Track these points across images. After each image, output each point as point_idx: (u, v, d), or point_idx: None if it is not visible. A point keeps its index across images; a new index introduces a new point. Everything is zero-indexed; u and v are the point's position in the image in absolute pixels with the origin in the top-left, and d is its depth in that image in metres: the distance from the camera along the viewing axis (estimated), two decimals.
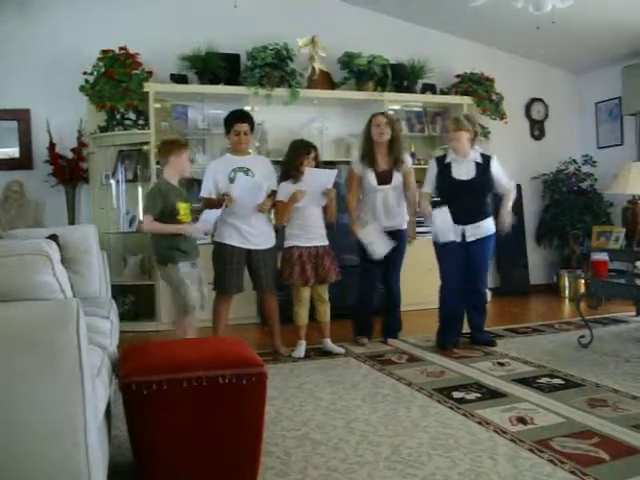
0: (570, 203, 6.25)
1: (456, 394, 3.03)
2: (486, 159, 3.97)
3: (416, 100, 5.97)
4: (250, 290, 4.09)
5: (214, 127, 5.26)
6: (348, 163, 4.38)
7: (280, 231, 4.03)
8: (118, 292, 4.62)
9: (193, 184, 4.81)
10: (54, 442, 1.49)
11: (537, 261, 6.65)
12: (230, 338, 2.56)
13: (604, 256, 4.06)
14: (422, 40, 6.02)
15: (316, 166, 3.87)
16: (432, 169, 4.07)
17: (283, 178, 3.89)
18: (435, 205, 4.01)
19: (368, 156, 4.06)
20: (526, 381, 3.22)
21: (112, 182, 5.13)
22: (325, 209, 3.93)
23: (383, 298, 4.29)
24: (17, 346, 1.47)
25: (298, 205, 3.83)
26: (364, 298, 4.18)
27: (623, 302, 4.99)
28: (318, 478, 2.13)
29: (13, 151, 5.08)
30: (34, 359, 1.47)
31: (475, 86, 5.91)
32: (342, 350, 3.97)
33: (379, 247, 3.99)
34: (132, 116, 4.98)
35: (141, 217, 4.83)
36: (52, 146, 4.97)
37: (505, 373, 3.40)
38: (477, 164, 3.93)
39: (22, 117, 5.02)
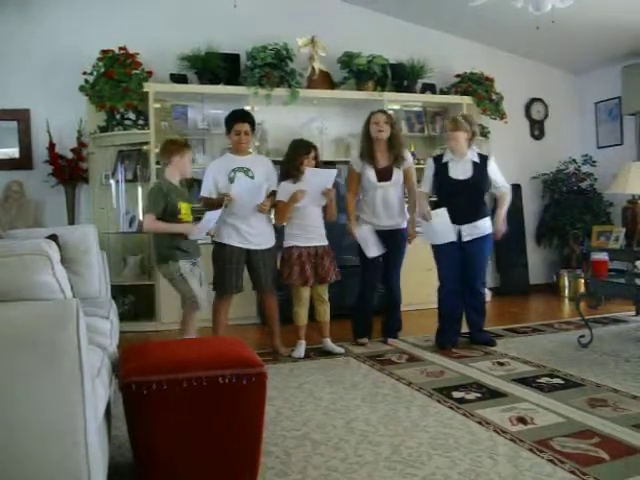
0: (570, 203, 6.25)
1: (456, 394, 3.03)
2: (483, 159, 3.98)
3: (416, 100, 5.97)
4: (250, 290, 4.09)
5: (214, 127, 5.26)
6: (348, 163, 4.38)
7: (280, 231, 4.03)
8: (118, 292, 4.62)
9: (193, 184, 4.81)
10: (54, 442, 1.49)
11: (537, 261, 6.65)
12: (230, 338, 2.56)
13: (604, 256, 4.06)
14: (422, 40, 6.03)
15: (316, 166, 3.87)
16: (429, 169, 4.08)
17: (283, 178, 3.89)
18: (433, 205, 4.02)
19: (367, 153, 4.06)
20: (526, 381, 3.22)
21: (112, 182, 5.13)
22: (325, 209, 3.93)
23: (383, 298, 4.29)
24: (17, 346, 1.47)
25: (298, 205, 3.83)
26: (364, 298, 4.18)
27: (623, 302, 4.99)
28: (318, 478, 2.13)
29: (13, 151, 5.08)
30: (34, 359, 1.47)
31: (475, 86, 5.91)
32: (342, 350, 3.97)
33: (372, 248, 4.00)
34: (132, 116, 4.98)
35: (141, 217, 4.86)
36: (52, 146, 4.97)
37: (505, 373, 3.40)
38: (474, 164, 3.93)
39: (22, 117, 5.02)
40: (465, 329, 4.17)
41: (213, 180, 3.85)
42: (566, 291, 6.17)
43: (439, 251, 3.98)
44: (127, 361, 2.07)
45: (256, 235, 3.83)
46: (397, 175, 4.07)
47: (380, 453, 2.33)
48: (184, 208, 3.45)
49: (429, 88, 5.98)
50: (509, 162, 6.25)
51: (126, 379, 1.93)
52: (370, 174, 4.05)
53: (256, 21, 5.34)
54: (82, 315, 1.55)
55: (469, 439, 2.44)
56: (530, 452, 2.29)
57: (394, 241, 4.09)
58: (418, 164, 5.33)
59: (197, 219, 3.58)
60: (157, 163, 4.82)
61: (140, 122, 4.98)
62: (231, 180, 3.79)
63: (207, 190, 3.86)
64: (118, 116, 4.96)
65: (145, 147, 5.04)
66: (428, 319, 4.57)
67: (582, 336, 3.96)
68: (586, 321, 4.03)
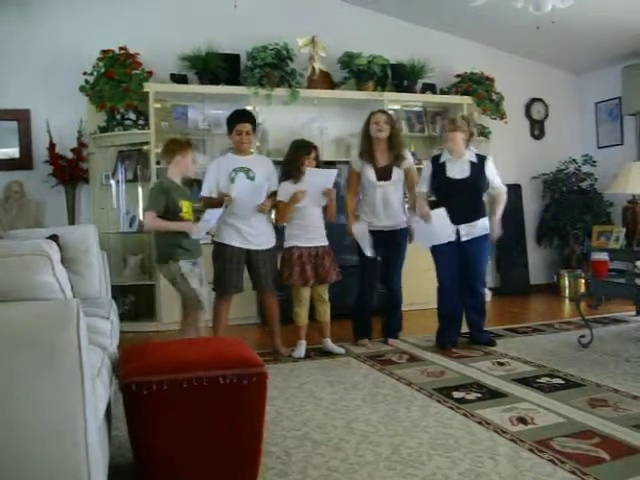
0: (570, 203, 6.25)
1: (456, 394, 3.03)
2: (481, 159, 3.98)
3: (416, 100, 5.97)
4: (250, 290, 4.09)
5: (214, 127, 5.26)
6: (348, 163, 4.38)
7: (281, 231, 4.03)
8: (118, 292, 4.62)
9: (193, 184, 4.81)
10: (54, 442, 1.49)
11: (537, 261, 6.65)
12: (230, 338, 2.56)
13: (604, 256, 4.06)
14: (422, 40, 6.03)
15: (317, 166, 3.87)
16: (427, 169, 4.09)
17: (284, 178, 3.89)
18: (432, 205, 4.01)
19: (367, 153, 4.06)
20: (526, 381, 3.22)
21: (112, 182, 5.13)
22: (325, 209, 3.93)
23: (384, 298, 4.29)
24: (17, 346, 1.47)
25: (298, 205, 3.83)
26: (363, 298, 4.17)
27: (623, 302, 4.99)
28: (318, 478, 2.13)
29: (13, 151, 5.08)
30: (34, 359, 1.47)
31: (475, 86, 5.91)
32: (342, 350, 3.97)
33: (368, 246, 4.00)
34: (132, 116, 4.98)
35: (141, 217, 4.86)
36: (52, 146, 4.97)
37: (505, 373, 3.40)
38: (472, 163, 3.94)
39: (22, 117, 5.02)
40: (465, 329, 4.17)
41: (214, 180, 3.85)
42: (566, 291, 6.16)
43: (438, 251, 3.99)
44: (127, 361, 2.07)
45: (256, 235, 3.83)
46: (397, 175, 4.07)
47: (380, 453, 2.33)
48: (185, 206, 3.45)
49: (429, 88, 5.98)
50: (509, 162, 6.27)
51: (126, 379, 1.93)
52: (370, 173, 4.05)
53: (256, 21, 5.35)
54: (82, 315, 1.55)
55: (469, 439, 2.44)
56: (530, 452, 2.29)
57: (394, 241, 4.09)
58: (419, 164, 5.33)
59: (198, 219, 3.58)
60: (157, 163, 4.83)
61: (140, 122, 4.98)
62: (232, 180, 3.79)
63: (208, 189, 3.86)
64: (118, 116, 4.96)
65: (145, 147, 5.04)
66: (428, 319, 4.57)
67: (582, 336, 3.96)
68: (586, 321, 4.03)
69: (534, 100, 6.73)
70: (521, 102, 6.67)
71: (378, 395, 3.06)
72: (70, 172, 4.99)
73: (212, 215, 3.53)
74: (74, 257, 3.24)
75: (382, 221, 4.07)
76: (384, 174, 4.05)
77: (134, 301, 5.02)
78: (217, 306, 3.86)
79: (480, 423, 2.61)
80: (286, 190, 3.81)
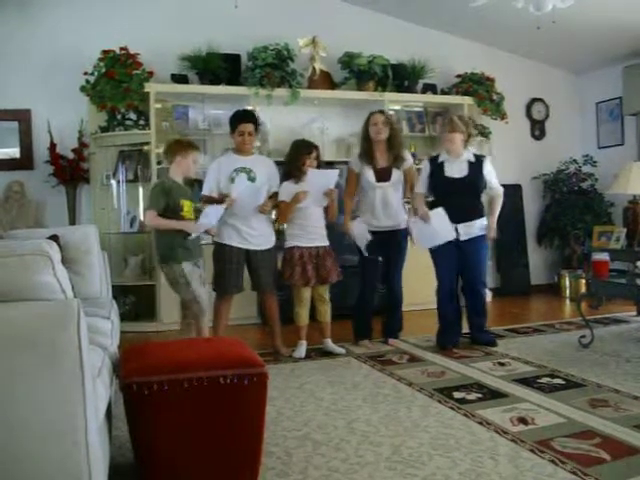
0: (571, 203, 6.25)
1: (457, 394, 3.03)
2: (479, 158, 3.99)
3: (417, 100, 5.97)
4: (250, 290, 4.09)
5: (215, 127, 5.26)
6: (348, 163, 4.38)
7: (281, 231, 4.03)
8: (119, 292, 4.62)
9: (194, 184, 4.81)
10: (54, 442, 1.49)
11: (538, 261, 6.65)
12: (230, 338, 2.56)
13: (605, 256, 4.06)
14: (422, 40, 6.03)
15: (318, 166, 3.87)
16: (425, 169, 4.09)
17: (285, 178, 3.89)
18: (430, 205, 4.02)
19: (367, 154, 4.06)
20: (527, 381, 3.22)
21: (113, 182, 5.13)
22: (326, 209, 3.93)
23: (384, 298, 4.29)
24: (18, 346, 1.48)
25: (300, 205, 3.83)
26: (364, 299, 4.17)
27: (624, 302, 4.99)
28: (319, 478, 2.13)
29: (14, 151, 5.08)
30: (35, 359, 1.47)
31: (476, 86, 5.91)
32: (343, 350, 3.97)
33: (365, 246, 4.00)
34: (133, 116, 4.98)
35: (142, 217, 4.86)
36: (53, 146, 4.97)
37: (506, 373, 3.40)
38: (470, 163, 3.94)
39: (23, 117, 5.02)
40: (466, 329, 4.17)
41: (214, 180, 3.85)
42: (567, 291, 6.15)
43: (436, 251, 3.98)
44: (128, 361, 2.07)
45: (256, 236, 3.83)
46: (396, 176, 4.07)
47: (381, 453, 2.33)
48: (186, 206, 3.45)
49: (430, 88, 5.98)
50: (510, 162, 6.27)
51: (127, 379, 1.93)
52: (369, 174, 4.05)
53: (257, 21, 5.35)
54: (83, 315, 1.55)
55: (470, 439, 2.44)
56: (531, 452, 2.29)
57: (394, 241, 4.09)
58: (419, 164, 5.33)
59: (198, 219, 3.58)
60: (158, 163, 4.83)
61: (141, 122, 4.98)
62: (232, 180, 3.80)
63: (208, 189, 3.86)
64: (119, 116, 4.96)
65: (146, 147, 5.04)
66: (429, 319, 4.57)
67: (583, 336, 3.96)
68: (587, 321, 4.03)
69: (534, 100, 6.73)
70: (521, 102, 6.67)
71: (379, 395, 3.06)
72: (71, 172, 4.99)
73: (212, 210, 3.53)
74: (75, 257, 3.24)
75: (382, 221, 4.07)
76: (383, 175, 4.05)
77: (135, 301, 5.02)
78: (217, 306, 3.86)
79: (481, 423, 2.61)
80: (288, 190, 3.81)
